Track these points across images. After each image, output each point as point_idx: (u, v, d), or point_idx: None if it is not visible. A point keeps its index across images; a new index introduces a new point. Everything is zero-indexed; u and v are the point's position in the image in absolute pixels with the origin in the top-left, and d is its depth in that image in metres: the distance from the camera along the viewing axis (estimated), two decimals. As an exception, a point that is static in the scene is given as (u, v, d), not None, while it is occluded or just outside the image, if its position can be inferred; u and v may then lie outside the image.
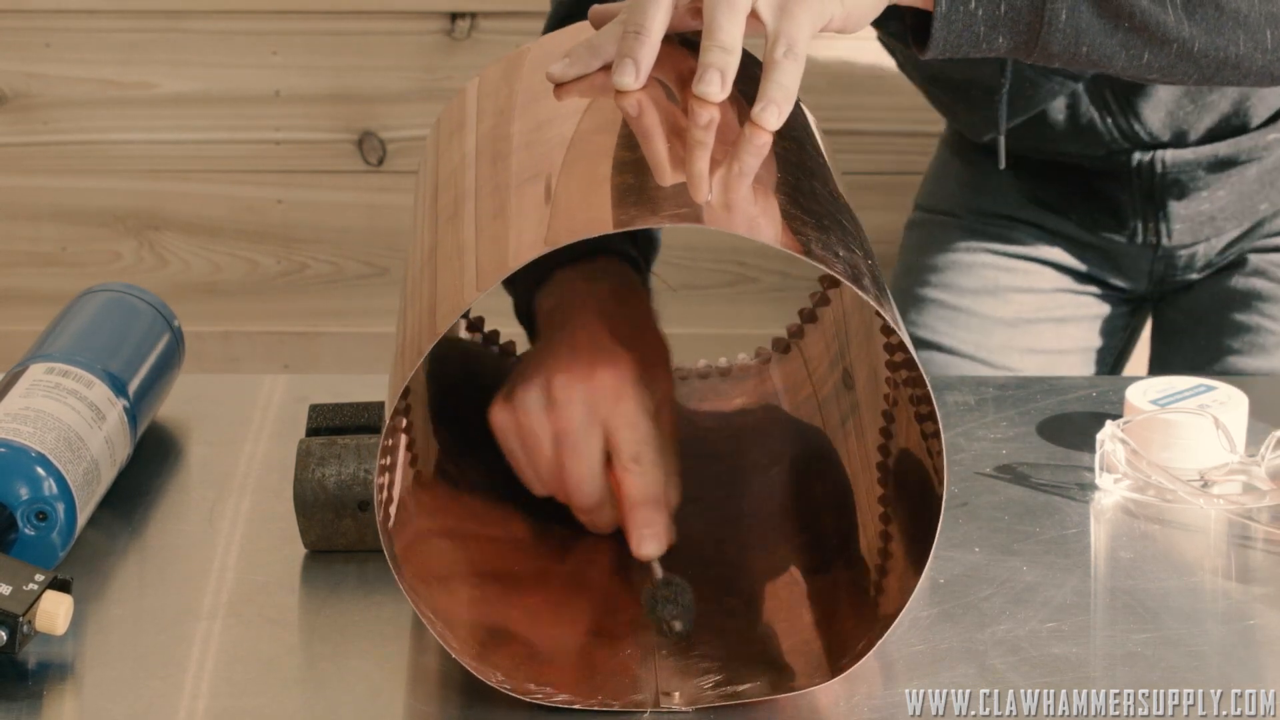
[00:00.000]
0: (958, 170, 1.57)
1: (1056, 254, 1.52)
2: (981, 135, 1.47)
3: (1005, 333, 1.52)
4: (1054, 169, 1.49)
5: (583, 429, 1.01)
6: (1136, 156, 1.43)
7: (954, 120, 1.54)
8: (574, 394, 1.01)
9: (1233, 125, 1.43)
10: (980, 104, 1.42)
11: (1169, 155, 1.43)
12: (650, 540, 1.00)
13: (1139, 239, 1.48)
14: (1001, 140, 1.36)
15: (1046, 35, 1.06)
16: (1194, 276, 1.50)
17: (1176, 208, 1.45)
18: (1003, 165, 1.35)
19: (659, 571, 0.98)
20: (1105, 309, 1.54)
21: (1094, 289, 1.53)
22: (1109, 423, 1.12)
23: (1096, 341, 1.54)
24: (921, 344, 1.52)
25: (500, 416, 1.03)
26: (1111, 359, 1.56)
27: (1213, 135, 1.43)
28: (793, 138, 0.98)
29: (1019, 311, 1.52)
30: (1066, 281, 1.53)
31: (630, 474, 1.00)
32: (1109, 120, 1.41)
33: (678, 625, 0.96)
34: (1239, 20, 1.09)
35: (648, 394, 1.02)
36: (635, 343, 1.04)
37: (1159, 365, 1.56)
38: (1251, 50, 1.10)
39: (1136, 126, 1.41)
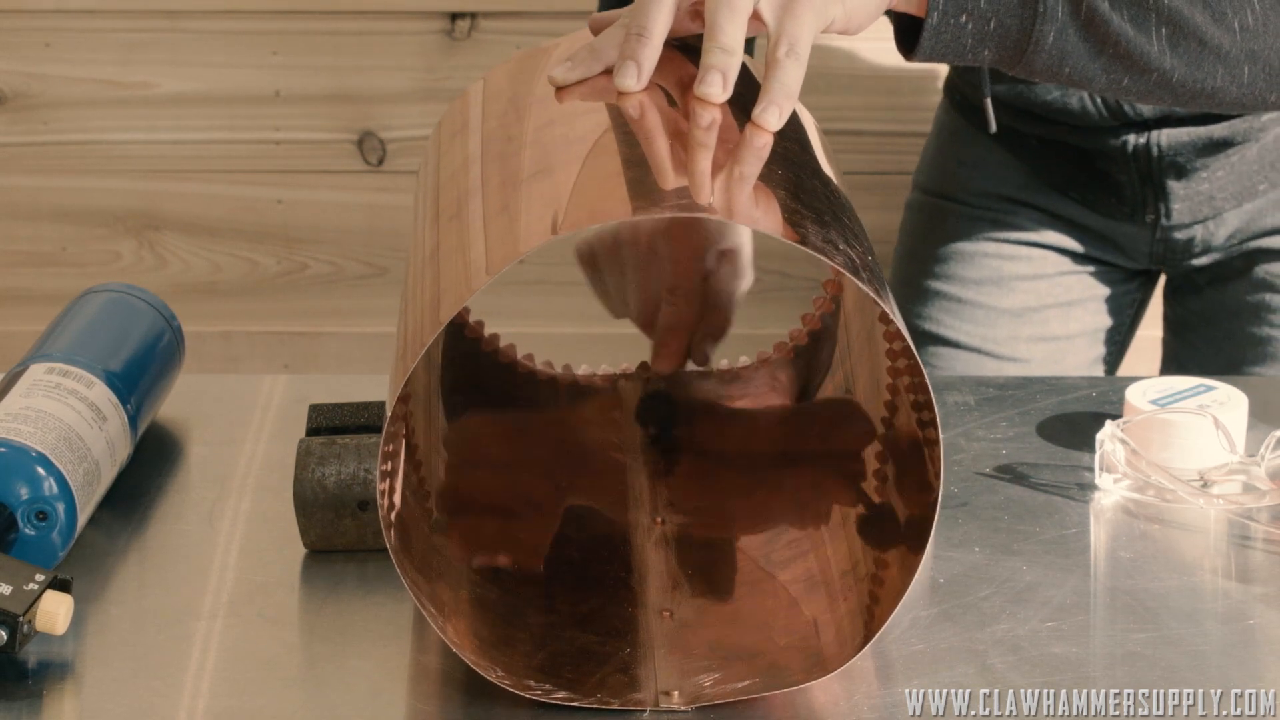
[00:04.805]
0: (957, 149, 1.57)
1: (1058, 237, 1.52)
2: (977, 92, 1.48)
3: (1011, 323, 1.52)
4: (1054, 149, 1.49)
5: (647, 261, 1.18)
6: (1131, 140, 1.44)
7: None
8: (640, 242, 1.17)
9: None
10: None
11: (1164, 139, 1.43)
12: (665, 359, 1.17)
13: (1139, 218, 1.48)
14: (988, 103, 1.37)
15: (1031, 54, 1.08)
16: (1195, 262, 1.50)
17: (1175, 187, 1.45)
18: (992, 129, 1.38)
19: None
20: (1110, 287, 1.54)
21: (1097, 268, 1.53)
22: (1109, 423, 1.12)
23: (1105, 322, 1.54)
24: (927, 337, 1.52)
25: (581, 249, 1.19)
26: (1119, 337, 1.56)
27: (1205, 115, 1.43)
28: (794, 137, 0.98)
29: (1024, 300, 1.52)
30: (1069, 264, 1.53)
31: (667, 304, 1.17)
32: (1097, 99, 1.42)
33: (652, 430, 1.15)
34: (1220, 55, 1.10)
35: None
36: None
37: (1172, 363, 1.56)
38: (1228, 84, 1.11)
39: (1126, 107, 1.42)
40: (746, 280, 1.19)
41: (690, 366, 1.17)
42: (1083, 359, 1.54)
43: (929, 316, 1.52)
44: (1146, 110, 1.42)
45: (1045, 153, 1.50)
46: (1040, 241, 1.52)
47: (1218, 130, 1.43)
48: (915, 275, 1.55)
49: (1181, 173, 1.45)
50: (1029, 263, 1.52)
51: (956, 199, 1.55)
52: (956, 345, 1.52)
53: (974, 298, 1.52)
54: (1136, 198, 1.47)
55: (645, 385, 1.17)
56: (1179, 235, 1.48)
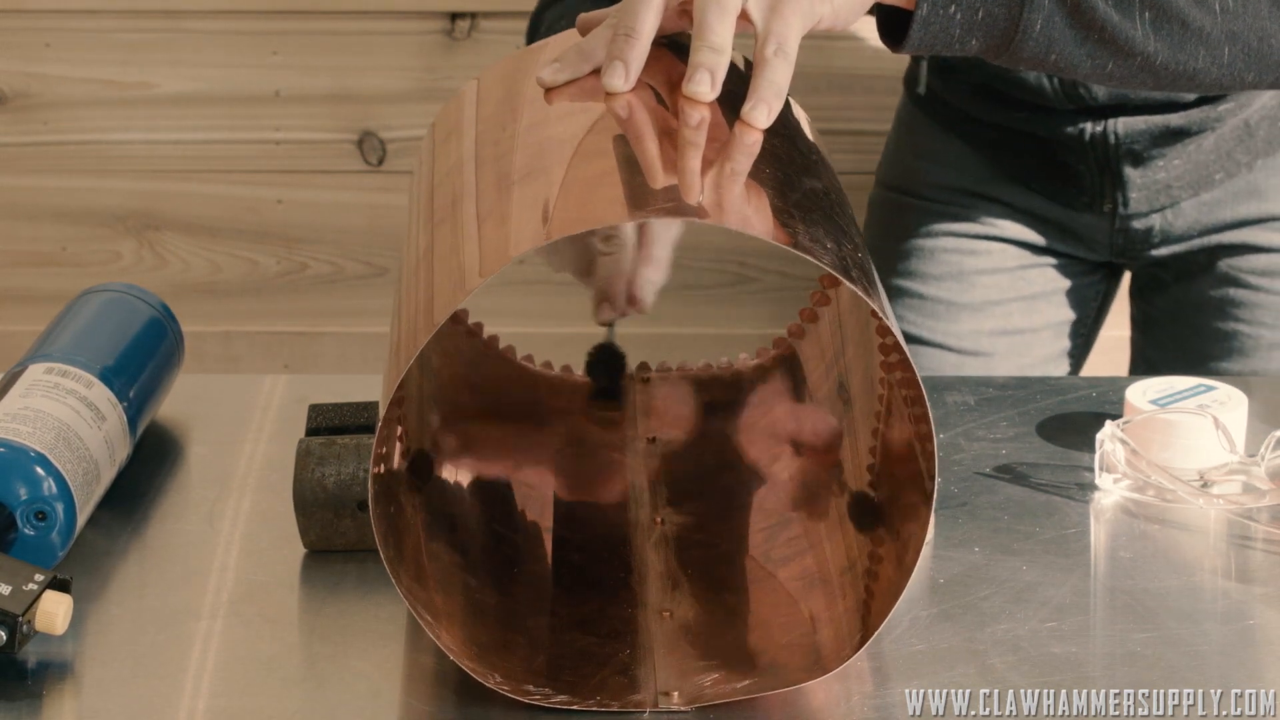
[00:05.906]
0: (916, 142, 1.57)
1: (1018, 230, 1.53)
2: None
3: (973, 318, 1.53)
4: (1012, 138, 1.50)
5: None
6: (1089, 128, 1.45)
7: None
8: None
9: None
10: None
11: (1121, 127, 1.44)
12: (606, 309, 1.16)
13: (1097, 208, 1.49)
14: (923, 65, 1.38)
15: (1019, 43, 1.08)
16: (1156, 254, 1.50)
17: (1132, 175, 1.46)
18: (920, 90, 1.38)
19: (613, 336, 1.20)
20: (1072, 280, 1.55)
21: (1058, 261, 1.54)
22: (1109, 423, 1.12)
23: (1068, 315, 1.55)
24: None
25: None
26: (1084, 330, 1.57)
27: (1159, 103, 1.43)
28: (784, 135, 0.98)
29: (985, 294, 1.53)
30: (1030, 258, 1.53)
31: (603, 253, 1.16)
32: (1055, 80, 1.43)
33: (604, 382, 1.18)
34: (1202, 37, 1.11)
35: None
36: None
37: (1142, 363, 1.57)
38: (1209, 65, 1.12)
39: (1081, 89, 1.43)
40: (679, 224, 1.18)
41: (632, 314, 1.17)
42: (1047, 352, 1.55)
43: (894, 315, 1.53)
44: (1101, 94, 1.43)
45: (1003, 143, 1.50)
46: (1000, 235, 1.53)
47: (1174, 119, 1.44)
48: (879, 272, 1.55)
49: (1138, 161, 1.46)
50: (989, 257, 1.53)
51: (916, 194, 1.55)
52: (921, 341, 1.53)
53: (935, 293, 1.53)
54: (1095, 187, 1.48)
55: (598, 353, 1.18)
56: (1137, 225, 1.49)
